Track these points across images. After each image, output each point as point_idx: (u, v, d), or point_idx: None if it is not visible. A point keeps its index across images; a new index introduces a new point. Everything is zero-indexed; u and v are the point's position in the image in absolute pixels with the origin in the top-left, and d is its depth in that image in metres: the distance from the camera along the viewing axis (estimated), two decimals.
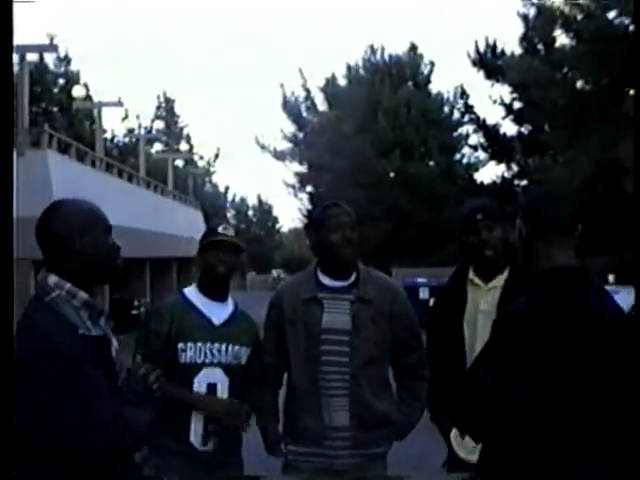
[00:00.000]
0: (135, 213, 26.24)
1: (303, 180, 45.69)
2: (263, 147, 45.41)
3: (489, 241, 4.00)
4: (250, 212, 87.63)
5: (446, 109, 42.68)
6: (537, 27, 30.81)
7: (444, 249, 38.02)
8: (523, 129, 35.50)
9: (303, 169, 45.26)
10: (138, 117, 61.34)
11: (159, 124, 65.15)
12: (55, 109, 42.93)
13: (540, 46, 31.15)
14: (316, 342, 3.96)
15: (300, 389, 4.03)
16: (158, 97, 69.60)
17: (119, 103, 36.89)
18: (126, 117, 57.48)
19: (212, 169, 72.70)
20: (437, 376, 4.12)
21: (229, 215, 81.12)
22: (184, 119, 70.71)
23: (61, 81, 45.56)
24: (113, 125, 69.89)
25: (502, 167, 38.27)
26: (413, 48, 43.77)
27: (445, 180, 39.23)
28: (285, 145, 45.30)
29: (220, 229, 3.95)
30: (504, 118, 36.45)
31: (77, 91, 37.38)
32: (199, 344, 3.82)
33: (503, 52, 35.23)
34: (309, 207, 45.31)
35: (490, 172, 78.08)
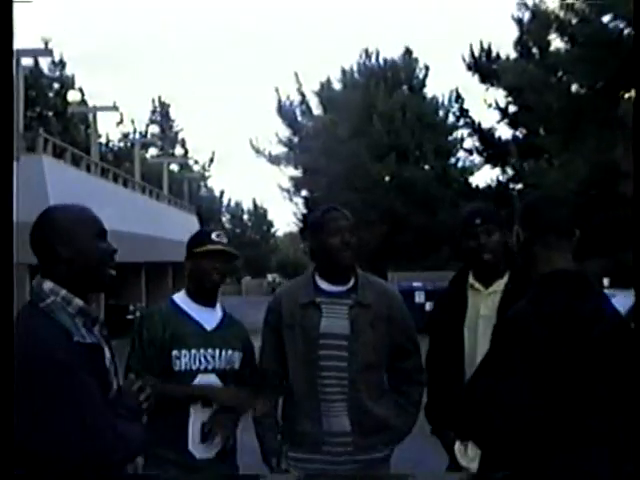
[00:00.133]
0: (130, 218, 26.23)
1: (298, 184, 45.65)
2: (258, 151, 45.41)
3: (488, 245, 3.99)
4: (245, 216, 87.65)
5: (441, 113, 42.71)
6: (532, 31, 30.83)
7: (439, 253, 38.08)
8: (518, 133, 35.51)
9: (298, 173, 45.24)
10: (133, 122, 61.19)
11: (154, 128, 65.04)
12: (50, 114, 42.94)
13: (535, 50, 31.18)
14: (314, 347, 3.94)
15: (298, 394, 4.00)
16: (153, 101, 69.71)
17: (114, 107, 36.87)
18: (121, 122, 57.40)
19: (207, 173, 72.72)
20: (436, 384, 4.11)
21: (224, 219, 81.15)
22: (179, 123, 70.78)
23: (56, 85, 45.56)
24: (108, 130, 69.73)
25: (497, 171, 38.30)
26: (408, 52, 43.80)
27: (440, 184, 39.25)
28: (280, 149, 45.33)
29: (214, 236, 3.91)
30: (499, 122, 36.48)
31: (72, 95, 37.39)
32: (193, 351, 3.79)
33: (498, 56, 35.26)
34: (304, 211, 45.28)
35: (485, 176, 78.26)
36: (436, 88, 43.83)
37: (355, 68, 44.01)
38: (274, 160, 45.19)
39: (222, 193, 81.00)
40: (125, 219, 24.46)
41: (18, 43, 23.44)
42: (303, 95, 44.53)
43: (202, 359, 3.81)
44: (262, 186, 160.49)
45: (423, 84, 43.62)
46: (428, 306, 24.84)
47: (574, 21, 27.48)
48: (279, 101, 44.66)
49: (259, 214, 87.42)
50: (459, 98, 41.35)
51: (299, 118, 44.77)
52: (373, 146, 39.31)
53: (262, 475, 4.15)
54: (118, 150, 55.64)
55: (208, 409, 3.81)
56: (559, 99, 28.45)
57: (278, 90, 45.15)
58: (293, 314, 4.01)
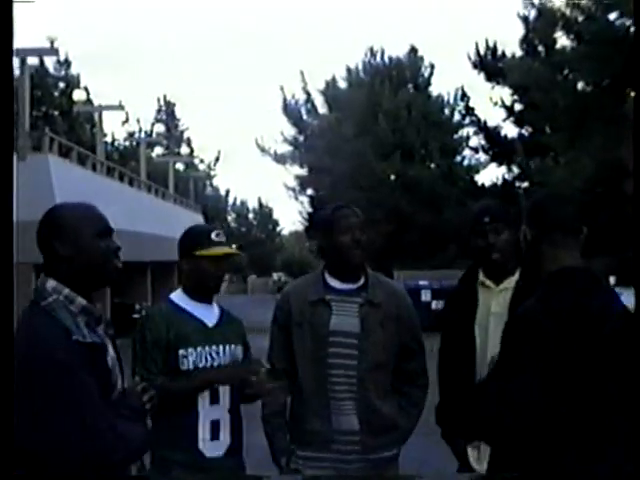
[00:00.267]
0: (136, 217, 26.25)
1: (303, 183, 45.64)
2: (263, 150, 45.42)
3: (496, 244, 3.97)
4: (251, 215, 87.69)
5: (446, 111, 42.63)
6: (538, 29, 30.76)
7: (446, 251, 38.03)
8: (524, 131, 35.44)
9: (303, 172, 45.22)
10: (138, 121, 61.29)
11: (160, 127, 65.25)
12: (56, 113, 42.99)
13: (541, 48, 31.10)
14: (323, 344, 3.93)
15: (307, 392, 3.99)
16: (158, 100, 69.74)
17: (120, 106, 36.90)
18: (127, 121, 57.54)
19: (213, 172, 72.80)
20: (447, 383, 4.08)
21: (230, 218, 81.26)
22: (184, 122, 70.83)
23: (61, 85, 45.59)
24: (113, 129, 69.87)
25: (503, 169, 38.22)
26: (413, 50, 43.72)
27: (446, 182, 39.17)
28: (285, 148, 45.31)
29: (214, 237, 3.88)
30: (505, 120, 36.41)
31: (77, 95, 37.44)
32: (199, 348, 3.77)
33: (504, 54, 35.16)
34: (310, 210, 45.26)
35: (491, 174, 78.16)
36: (441, 86, 44.03)
37: (360, 67, 43.97)
38: (279, 159, 45.20)
39: (227, 192, 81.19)
40: (131, 218, 24.47)
41: (23, 42, 23.49)
42: (308, 94, 44.55)
43: (207, 356, 3.79)
44: (267, 185, 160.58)
45: (428, 82, 43.55)
46: (434, 304, 24.83)
47: (580, 19, 27.42)
48: (284, 100, 44.68)
49: (264, 213, 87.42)
50: (465, 96, 41.30)
51: (304, 117, 44.75)
52: (378, 145, 39.26)
53: (265, 475, 4.15)
54: (124, 149, 55.69)
55: (216, 405, 3.80)
56: (565, 97, 28.39)
57: (283, 89, 45.17)
58: (302, 311, 3.99)
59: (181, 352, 3.73)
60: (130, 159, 49.53)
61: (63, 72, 46.46)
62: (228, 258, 3.96)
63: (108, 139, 51.06)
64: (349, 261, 3.97)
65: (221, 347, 3.84)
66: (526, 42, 31.93)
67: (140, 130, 59.50)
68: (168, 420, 3.59)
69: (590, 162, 25.83)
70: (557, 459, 2.78)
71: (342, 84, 44.22)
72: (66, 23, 78.33)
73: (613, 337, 2.81)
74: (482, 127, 39.03)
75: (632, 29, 24.08)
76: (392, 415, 4.03)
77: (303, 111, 44.78)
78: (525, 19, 31.73)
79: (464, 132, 42.00)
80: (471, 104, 40.81)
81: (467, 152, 42.18)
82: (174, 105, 70.02)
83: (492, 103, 35.51)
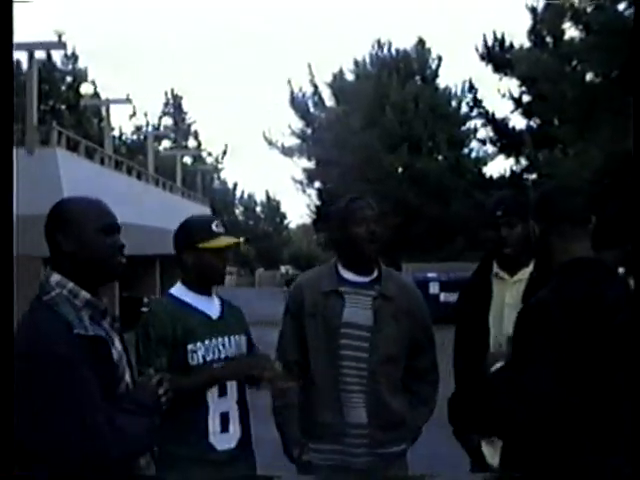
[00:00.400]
0: (144, 210, 26.28)
1: (311, 176, 45.63)
2: (271, 143, 45.43)
3: (508, 238, 3.94)
4: (258, 208, 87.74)
5: (454, 103, 42.58)
6: (545, 20, 30.65)
7: (453, 243, 38.01)
8: (532, 123, 35.36)
9: (311, 165, 45.23)
10: (146, 114, 61.34)
11: (167, 121, 65.26)
12: (63, 107, 43.01)
13: (549, 39, 31.01)
14: (335, 336, 3.91)
15: (318, 384, 3.98)
16: (166, 94, 69.73)
17: (127, 100, 36.88)
18: (134, 114, 57.61)
19: (220, 166, 72.81)
20: (462, 376, 4.06)
21: (237, 211, 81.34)
22: (192, 116, 70.85)
23: (69, 79, 45.61)
24: (121, 123, 70.11)
25: (511, 161, 38.13)
26: (420, 42, 43.66)
27: (454, 174, 39.12)
28: (293, 141, 45.32)
29: (215, 227, 3.84)
30: (513, 112, 36.32)
31: (85, 88, 37.44)
32: (206, 342, 3.73)
33: (511, 45, 35.07)
34: (317, 203, 45.27)
35: (499, 166, 78.03)
36: (449, 78, 43.91)
37: (367, 59, 43.93)
38: (287, 152, 45.21)
39: (235, 185, 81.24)
40: (139, 212, 24.48)
41: (31, 36, 23.50)
42: (316, 87, 44.52)
43: (215, 349, 3.75)
44: (275, 178, 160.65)
45: (436, 74, 43.49)
46: (443, 297, 24.80)
47: (588, 9, 27.31)
48: (292, 93, 44.67)
49: (272, 206, 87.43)
50: (472, 88, 41.23)
51: (312, 110, 44.73)
52: (386, 137, 39.23)
53: (276, 475, 4.13)
54: (131, 143, 55.77)
55: (225, 398, 3.77)
56: (573, 88, 28.27)
57: (290, 82, 45.16)
58: (315, 302, 3.98)
59: (190, 347, 3.69)
60: (137, 153, 49.59)
61: (70, 66, 46.49)
62: (231, 249, 3.94)
63: (115, 133, 51.13)
64: (363, 253, 3.95)
65: (227, 338, 3.81)
66: (534, 33, 31.83)
67: (147, 124, 59.60)
68: (176, 415, 3.56)
69: (599, 153, 25.74)
70: (571, 451, 2.77)
71: (349, 77, 44.22)
72: (73, 17, 78.32)
73: (625, 328, 2.79)
74: (490, 119, 38.94)
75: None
76: (401, 411, 4.02)
77: (310, 104, 44.78)
78: (533, 10, 31.66)
79: (472, 124, 42.01)
80: (479, 96, 40.80)
81: (475, 144, 42.20)
82: (181, 98, 70.07)
83: (500, 95, 35.47)
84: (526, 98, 34.24)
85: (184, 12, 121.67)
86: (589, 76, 28.78)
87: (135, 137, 56.98)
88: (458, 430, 4.12)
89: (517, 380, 2.80)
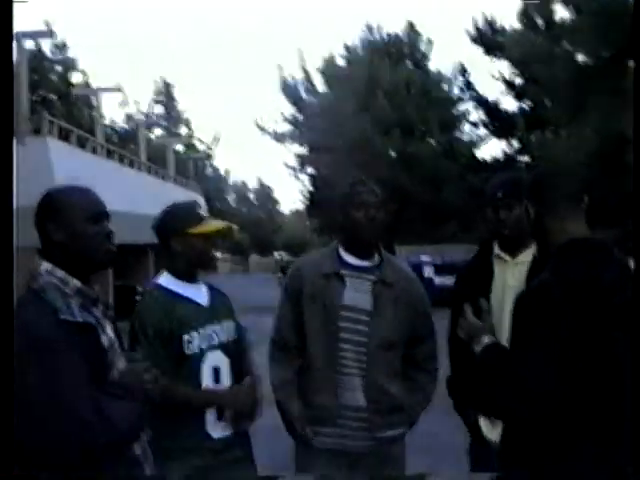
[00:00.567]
0: (137, 199, 26.21)
1: (304, 162, 45.54)
2: (263, 130, 45.31)
3: (507, 220, 3.93)
4: (251, 195, 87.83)
5: (446, 87, 42.51)
6: (536, 1, 30.63)
7: (446, 227, 38.06)
8: (524, 105, 35.39)
9: (303, 151, 45.14)
10: (137, 102, 61.23)
11: (158, 109, 65.10)
12: (54, 97, 42.88)
13: (540, 21, 30.98)
14: (334, 318, 3.91)
15: (315, 365, 3.98)
16: (156, 82, 69.53)
17: (118, 89, 36.79)
18: (125, 103, 57.47)
19: (212, 153, 72.71)
20: (459, 357, 4.05)
21: (230, 198, 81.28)
22: (183, 104, 70.71)
23: (59, 68, 45.47)
24: (112, 112, 69.88)
25: (503, 143, 38.22)
26: (411, 26, 43.57)
27: (446, 158, 39.12)
28: (285, 127, 45.18)
29: (201, 211, 3.80)
30: (505, 94, 36.38)
31: (76, 78, 37.35)
32: (200, 330, 3.71)
33: (503, 28, 35.08)
34: (310, 189, 45.23)
35: (491, 149, 77.96)
36: (440, 62, 43.79)
37: (358, 44, 43.81)
38: (279, 138, 45.08)
39: (227, 172, 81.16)
40: (132, 200, 24.43)
41: (19, 25, 23.37)
42: (307, 72, 44.39)
43: (209, 337, 3.73)
44: (267, 165, 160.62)
45: (427, 58, 43.43)
46: (437, 280, 24.82)
47: None
48: (283, 79, 44.54)
49: (265, 192, 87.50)
50: (464, 71, 41.18)
51: (303, 95, 44.59)
52: (378, 121, 39.18)
53: (280, 475, 4.13)
54: (123, 132, 55.65)
55: (219, 385, 3.75)
56: (565, 70, 28.26)
57: (282, 68, 45.06)
58: (315, 284, 3.98)
59: (186, 338, 3.66)
60: (129, 142, 49.48)
61: (60, 56, 46.33)
62: (221, 233, 3.90)
63: (107, 122, 50.98)
64: (361, 238, 3.95)
65: (218, 325, 3.79)
66: (525, 15, 31.79)
67: (138, 112, 59.46)
68: (172, 407, 3.56)
69: (591, 135, 25.76)
70: (573, 436, 2.77)
71: (340, 62, 44.08)
72: (62, 6, 77.97)
73: (625, 307, 2.79)
74: (482, 102, 38.98)
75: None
76: (400, 396, 4.02)
77: (302, 90, 44.64)
78: None
79: (464, 107, 41.97)
80: (470, 79, 40.77)
81: (467, 127, 42.17)
82: (172, 86, 69.88)
83: (491, 77, 35.48)
84: (518, 80, 34.28)
85: (175, 0, 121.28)
86: (580, 57, 28.78)
87: (126, 126, 56.86)
88: (458, 404, 4.14)
89: (516, 369, 2.79)
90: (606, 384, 2.76)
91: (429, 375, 4.16)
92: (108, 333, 2.91)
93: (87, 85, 39.77)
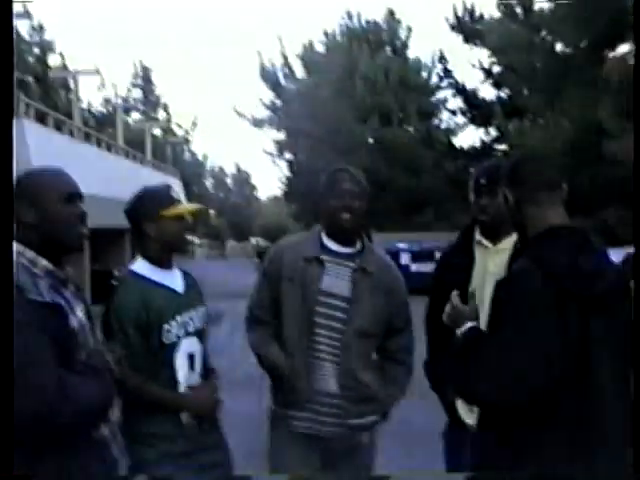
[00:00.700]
0: (114, 182, 26.09)
1: (282, 147, 45.47)
2: (241, 115, 45.19)
3: (489, 207, 3.94)
4: (229, 180, 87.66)
5: (424, 74, 42.53)
6: None
7: (423, 214, 38.15)
8: (502, 93, 35.48)
9: (282, 136, 45.06)
10: (115, 86, 60.91)
11: (136, 93, 64.76)
12: (30, 79, 42.56)
13: (519, 9, 31.02)
14: (312, 302, 3.91)
15: (290, 349, 3.97)
16: (134, 65, 69.16)
17: (96, 71, 36.55)
18: (102, 86, 57.12)
19: (190, 138, 72.43)
20: (436, 341, 4.08)
21: (208, 183, 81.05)
22: (161, 88, 70.38)
23: (36, 50, 45.13)
24: (89, 95, 69.55)
25: (481, 131, 38.32)
26: (390, 13, 43.54)
27: (424, 145, 39.18)
28: (263, 113, 45.07)
29: (174, 194, 3.74)
30: (483, 82, 36.45)
31: (53, 60, 37.07)
32: (178, 318, 3.66)
33: (482, 16, 35.13)
34: (288, 174, 45.22)
35: (469, 137, 78.07)
36: (419, 49, 43.78)
37: (337, 30, 43.71)
38: (257, 123, 44.96)
39: (205, 157, 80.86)
40: (109, 184, 24.33)
41: None
42: (286, 58, 44.27)
43: (185, 325, 3.69)
44: (245, 150, 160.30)
45: (406, 45, 43.41)
46: (414, 267, 24.90)
47: None
48: (262, 65, 44.39)
49: (242, 178, 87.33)
50: (443, 59, 41.19)
51: (282, 81, 44.49)
52: (356, 108, 39.18)
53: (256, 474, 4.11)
54: (100, 115, 55.35)
55: (192, 372, 3.72)
56: (543, 58, 28.38)
57: (261, 54, 44.96)
58: (295, 267, 3.97)
59: (166, 327, 3.60)
60: (106, 125, 49.23)
61: (37, 37, 45.98)
62: (195, 216, 3.86)
63: (84, 105, 50.69)
64: (339, 225, 3.94)
65: (193, 312, 3.75)
66: (504, 4, 31.82)
67: (116, 95, 59.12)
68: (146, 393, 3.55)
69: (568, 124, 25.87)
70: (548, 422, 2.79)
71: (319, 48, 43.99)
72: None
73: (605, 296, 2.81)
74: (460, 89, 39.05)
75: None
76: (372, 385, 4.02)
77: (281, 75, 44.53)
78: None
79: (442, 95, 42.03)
80: (449, 67, 40.79)
81: (445, 115, 42.23)
82: (150, 70, 69.49)
83: (470, 65, 35.53)
84: (496, 69, 34.34)
85: None
86: (559, 47, 28.89)
87: (104, 109, 56.54)
88: (435, 384, 4.16)
89: (490, 354, 2.80)
90: (582, 371, 2.78)
91: (403, 367, 4.17)
92: (78, 315, 2.92)
93: (64, 68, 39.46)
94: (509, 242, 3.97)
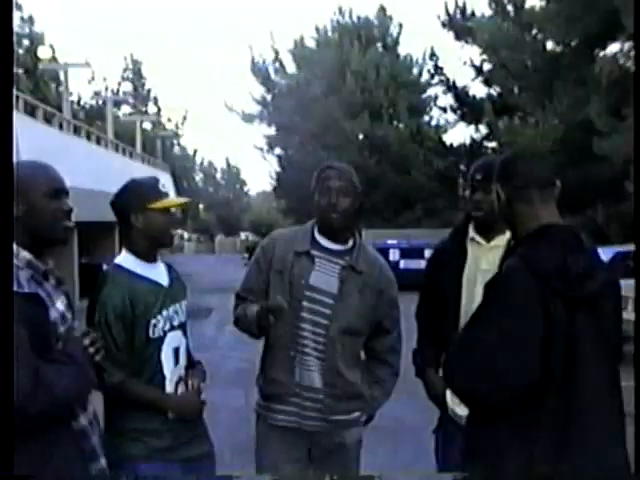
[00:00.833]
0: (103, 176, 26.01)
1: (271, 142, 45.46)
2: (231, 110, 45.15)
3: (482, 203, 3.95)
4: (218, 175, 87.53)
5: (415, 71, 42.56)
6: None
7: (413, 211, 38.20)
8: (492, 91, 35.51)
9: (272, 131, 45.05)
10: (105, 79, 60.70)
11: (126, 86, 64.53)
12: (20, 71, 42.40)
13: (510, 7, 31.04)
14: (298, 296, 3.91)
15: (275, 341, 3.99)
16: (125, 59, 68.86)
17: (86, 64, 36.43)
18: (93, 79, 56.95)
19: (180, 132, 72.24)
20: (427, 333, 4.09)
21: (197, 178, 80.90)
22: (151, 81, 70.18)
23: (26, 42, 44.95)
24: (79, 88, 69.33)
25: (471, 129, 38.36)
26: (382, 9, 43.54)
27: (414, 142, 39.22)
28: (254, 107, 45.05)
29: (162, 187, 3.68)
30: (473, 80, 36.49)
31: (43, 52, 36.85)
32: (164, 312, 3.63)
33: (473, 13, 35.12)
34: (278, 170, 45.20)
35: (459, 134, 78.21)
36: (410, 46, 43.76)
37: (329, 26, 43.70)
38: (247, 118, 44.94)
39: (195, 152, 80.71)
40: (98, 178, 24.26)
41: None
42: (277, 53, 44.25)
43: (170, 318, 3.66)
44: (235, 145, 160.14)
45: (397, 42, 43.42)
46: (403, 264, 24.92)
47: None
48: (252, 59, 44.35)
49: (232, 173, 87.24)
50: (433, 56, 41.23)
51: (272, 76, 44.45)
52: (346, 104, 39.19)
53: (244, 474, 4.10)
54: (90, 108, 55.17)
55: (178, 367, 3.71)
56: (534, 57, 28.42)
57: (252, 48, 44.86)
58: (285, 260, 3.97)
59: (153, 322, 3.58)
60: (96, 118, 49.07)
61: (27, 29, 45.80)
62: (183, 209, 3.84)
63: (74, 98, 50.52)
64: (327, 224, 3.95)
65: (178, 305, 3.72)
66: (495, 1, 31.84)
67: (106, 89, 58.92)
68: (132, 394, 3.55)
69: (558, 122, 25.93)
70: (534, 417, 2.79)
71: (311, 43, 43.97)
72: None
73: (596, 296, 2.81)
74: (451, 87, 39.08)
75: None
76: (357, 383, 4.02)
77: (271, 70, 44.49)
78: None
79: (432, 92, 42.09)
80: (440, 64, 40.86)
81: (435, 112, 42.29)
82: (141, 64, 69.23)
83: (461, 63, 35.55)
84: (487, 66, 34.35)
85: None
86: (549, 45, 28.93)
87: (94, 102, 56.35)
88: (420, 371, 4.18)
89: (477, 349, 2.80)
90: (568, 370, 2.78)
91: (390, 368, 4.17)
92: (58, 306, 2.93)
93: (54, 60, 39.24)
94: (502, 240, 3.98)
